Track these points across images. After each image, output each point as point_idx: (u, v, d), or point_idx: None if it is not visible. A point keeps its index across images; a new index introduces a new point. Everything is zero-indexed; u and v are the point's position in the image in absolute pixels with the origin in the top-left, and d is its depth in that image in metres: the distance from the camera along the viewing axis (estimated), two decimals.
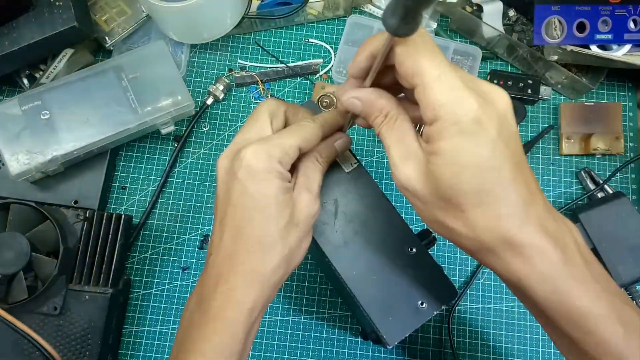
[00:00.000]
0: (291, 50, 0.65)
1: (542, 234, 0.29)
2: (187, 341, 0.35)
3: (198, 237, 0.59)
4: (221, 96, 0.62)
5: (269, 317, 0.57)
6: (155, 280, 0.58)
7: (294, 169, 0.37)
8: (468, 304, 0.57)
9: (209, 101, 0.62)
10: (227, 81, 0.62)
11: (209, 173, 0.61)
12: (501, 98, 0.30)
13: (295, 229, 0.35)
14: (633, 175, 0.61)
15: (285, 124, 0.38)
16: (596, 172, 0.60)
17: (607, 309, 0.29)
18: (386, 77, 0.34)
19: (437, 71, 0.29)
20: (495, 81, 0.61)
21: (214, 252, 0.35)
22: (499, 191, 0.29)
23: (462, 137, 0.28)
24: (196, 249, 0.59)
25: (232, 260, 0.34)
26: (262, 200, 0.34)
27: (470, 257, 0.58)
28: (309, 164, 0.37)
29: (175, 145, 0.61)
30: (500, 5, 0.62)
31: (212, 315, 0.34)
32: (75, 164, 0.57)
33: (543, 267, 0.29)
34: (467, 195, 0.29)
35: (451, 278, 0.58)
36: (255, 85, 0.64)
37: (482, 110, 0.28)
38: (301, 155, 0.37)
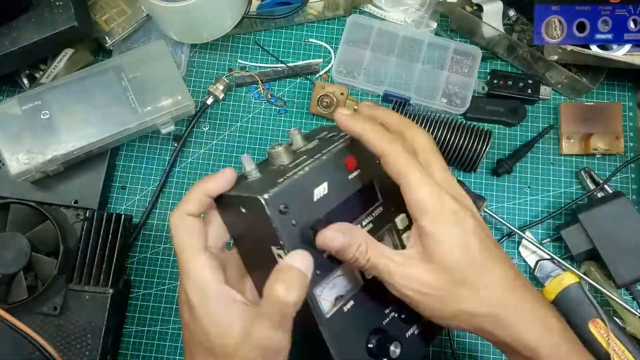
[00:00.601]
0: (291, 50, 0.65)
1: (540, 303, 0.35)
2: None
3: None
4: (221, 96, 0.62)
5: None
6: (155, 280, 0.58)
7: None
8: None
9: (209, 101, 0.61)
10: (227, 81, 0.62)
11: (209, 173, 0.61)
12: (464, 197, 0.36)
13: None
14: (633, 175, 0.61)
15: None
16: (596, 172, 0.60)
17: None
18: None
19: (419, 175, 0.34)
20: (495, 81, 0.61)
21: None
22: (496, 267, 0.34)
23: (451, 226, 0.33)
24: None
25: None
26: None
27: None
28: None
29: (175, 145, 0.61)
30: (500, 5, 0.62)
31: None
32: (75, 164, 0.57)
33: (550, 337, 0.34)
34: (474, 275, 0.33)
35: None
36: (255, 85, 0.64)
37: (457, 206, 0.34)
38: None
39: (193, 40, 0.63)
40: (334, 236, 0.33)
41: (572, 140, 0.62)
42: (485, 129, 0.58)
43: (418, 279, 0.33)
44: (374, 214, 0.38)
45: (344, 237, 0.33)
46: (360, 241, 0.34)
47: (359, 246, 0.34)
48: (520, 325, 0.33)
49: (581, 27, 0.56)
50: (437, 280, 0.33)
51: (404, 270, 0.34)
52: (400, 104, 0.60)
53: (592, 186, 0.59)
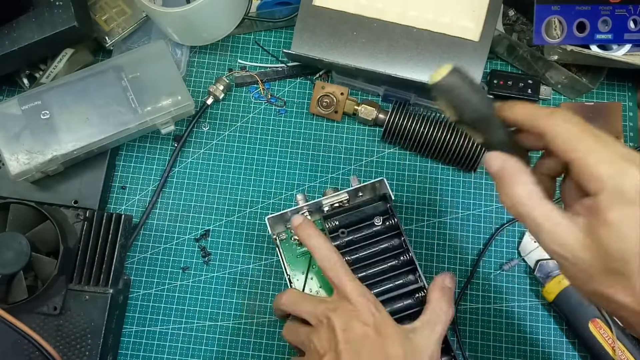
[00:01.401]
0: None
1: None
2: None
3: (198, 237, 0.59)
4: (221, 96, 0.62)
5: (269, 317, 0.57)
6: (155, 280, 0.58)
7: None
8: (468, 304, 0.57)
9: (209, 101, 0.62)
10: (227, 81, 0.62)
11: (209, 173, 0.61)
12: None
13: None
14: None
15: None
16: None
17: None
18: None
19: (594, 146, 0.30)
20: (495, 81, 0.61)
21: None
22: None
23: (631, 208, 0.29)
24: (196, 249, 0.59)
25: None
26: None
27: (467, 255, 0.58)
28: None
29: (175, 145, 0.62)
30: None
31: None
32: (75, 164, 0.57)
33: None
34: (638, 268, 0.29)
35: None
36: (255, 85, 0.64)
37: None
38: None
39: (193, 42, 0.63)
40: (489, 159, 0.34)
41: None
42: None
43: (570, 248, 0.31)
44: None
45: (498, 164, 0.34)
46: (509, 175, 0.33)
47: (506, 178, 0.33)
48: None
49: (581, 27, 0.56)
50: (591, 259, 0.30)
51: (556, 231, 0.32)
52: (400, 104, 0.60)
53: None
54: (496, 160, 0.34)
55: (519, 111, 0.35)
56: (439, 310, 0.46)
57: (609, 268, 0.30)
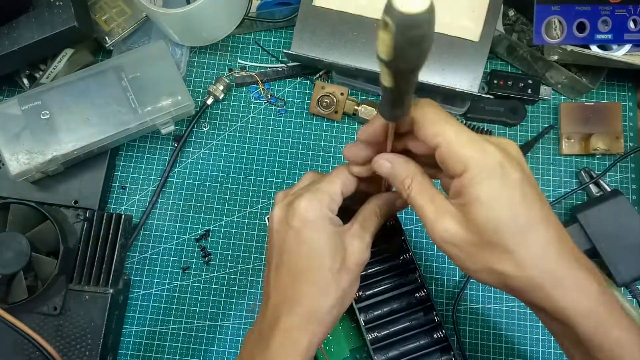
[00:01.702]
0: None
1: (580, 267, 0.32)
2: None
3: (198, 237, 0.59)
4: (221, 96, 0.62)
5: None
6: (155, 280, 0.58)
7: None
8: (468, 304, 0.57)
9: (209, 101, 0.62)
10: (227, 81, 0.62)
11: (209, 173, 0.61)
12: (512, 146, 0.34)
13: (347, 273, 0.38)
14: (633, 175, 0.61)
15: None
16: (596, 172, 0.60)
17: (637, 337, 0.32)
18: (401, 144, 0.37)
19: (456, 130, 0.32)
20: (495, 81, 0.61)
21: (273, 295, 0.38)
22: (538, 227, 0.32)
23: (493, 180, 0.31)
24: (196, 249, 0.59)
25: (290, 302, 0.37)
26: (317, 246, 0.37)
27: None
28: (369, 215, 0.40)
29: (175, 145, 0.62)
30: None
31: (272, 353, 0.36)
32: (75, 164, 0.57)
33: (587, 301, 0.32)
34: (511, 234, 0.32)
35: (451, 278, 0.58)
36: (255, 85, 0.64)
37: (502, 156, 0.32)
38: (359, 200, 0.41)
39: (193, 42, 0.63)
40: (380, 163, 0.36)
41: (572, 141, 0.62)
42: (486, 129, 0.58)
43: (451, 232, 0.33)
44: None
45: (391, 166, 0.36)
46: (405, 175, 0.35)
47: (404, 179, 0.35)
48: (554, 290, 0.32)
49: (581, 27, 0.56)
50: (472, 237, 0.32)
51: (438, 218, 0.33)
52: None
53: (592, 186, 0.59)
54: (386, 162, 0.36)
55: (379, 118, 0.36)
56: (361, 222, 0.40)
57: (486, 242, 0.32)
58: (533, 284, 0.32)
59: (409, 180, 0.35)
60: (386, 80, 0.28)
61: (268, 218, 0.40)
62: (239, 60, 0.65)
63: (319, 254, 0.37)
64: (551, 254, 0.32)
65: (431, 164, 0.36)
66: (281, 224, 0.38)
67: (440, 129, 0.33)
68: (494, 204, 0.31)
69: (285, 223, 0.38)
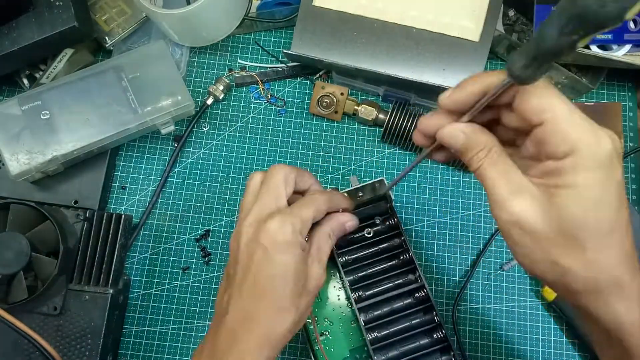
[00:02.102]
0: None
1: None
2: None
3: (198, 237, 0.59)
4: (221, 96, 0.62)
5: None
6: (155, 280, 0.58)
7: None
8: (468, 304, 0.57)
9: (209, 101, 0.62)
10: (227, 81, 0.62)
11: (209, 173, 0.61)
12: (618, 142, 0.30)
13: (306, 296, 0.39)
14: (633, 175, 0.61)
15: (294, 188, 0.42)
16: None
17: None
18: (483, 116, 0.33)
19: (568, 107, 0.29)
20: None
21: (232, 311, 0.38)
22: (622, 233, 0.30)
23: (600, 172, 0.28)
24: (196, 249, 0.59)
25: (250, 322, 0.37)
26: (284, 268, 0.37)
27: (467, 254, 0.58)
28: (323, 237, 0.41)
29: (175, 145, 0.62)
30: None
31: None
32: (75, 164, 0.57)
33: None
34: (596, 233, 0.29)
35: (451, 278, 0.58)
36: (255, 85, 0.64)
37: (613, 149, 0.29)
38: (314, 225, 0.41)
39: (193, 43, 0.63)
40: (454, 134, 0.32)
41: None
42: None
43: (526, 213, 0.29)
44: None
45: (465, 137, 0.32)
46: (481, 147, 0.31)
47: (478, 151, 0.31)
48: (615, 297, 0.30)
49: None
50: (547, 223, 0.29)
51: (513, 195, 0.30)
52: (400, 104, 0.60)
53: None
54: (460, 133, 0.32)
55: (481, 80, 0.31)
56: (315, 250, 0.41)
57: (563, 233, 0.29)
58: (596, 287, 0.30)
59: (482, 153, 0.31)
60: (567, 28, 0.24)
61: (234, 232, 0.40)
62: (239, 60, 0.65)
63: (284, 276, 0.37)
64: (623, 262, 0.30)
65: (510, 142, 0.33)
66: (250, 242, 0.38)
67: (550, 103, 0.29)
68: (592, 197, 0.28)
69: (255, 241, 0.38)
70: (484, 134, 0.32)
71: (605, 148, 0.28)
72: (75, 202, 0.57)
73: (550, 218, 0.29)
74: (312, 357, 0.48)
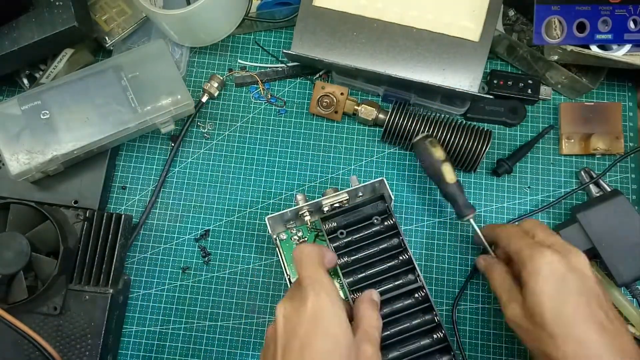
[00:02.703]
0: None
1: None
2: None
3: (197, 237, 0.59)
4: (216, 93, 0.61)
5: (269, 317, 0.57)
6: (155, 280, 0.58)
7: None
8: (468, 304, 0.57)
9: (204, 99, 0.61)
10: (222, 78, 0.62)
11: (209, 173, 0.61)
12: (578, 259, 0.44)
13: None
14: (633, 175, 0.61)
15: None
16: (596, 172, 0.60)
17: None
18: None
19: (530, 252, 0.44)
20: (495, 81, 0.61)
21: None
22: (579, 323, 0.40)
23: (549, 279, 0.42)
24: (196, 249, 0.59)
25: None
26: (334, 332, 0.39)
27: (467, 254, 0.58)
28: (375, 325, 0.44)
29: (172, 145, 0.61)
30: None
31: None
32: (75, 164, 0.57)
33: None
34: (558, 326, 0.41)
35: (451, 278, 0.58)
36: (255, 85, 0.64)
37: (562, 264, 0.43)
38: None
39: (193, 43, 0.63)
40: (479, 261, 0.53)
41: (572, 141, 0.62)
42: (485, 129, 0.58)
43: (514, 313, 0.44)
44: None
45: (485, 264, 0.51)
46: (491, 270, 0.50)
47: (490, 272, 0.50)
48: None
49: (581, 27, 0.56)
50: (526, 322, 0.43)
51: (508, 303, 0.45)
52: (400, 104, 0.60)
53: (592, 186, 0.59)
54: (481, 260, 0.53)
55: (491, 232, 0.52)
56: (367, 327, 0.43)
57: (538, 327, 0.41)
58: None
59: (493, 274, 0.49)
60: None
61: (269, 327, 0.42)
62: (239, 60, 0.65)
63: (334, 340, 0.38)
64: (593, 355, 0.39)
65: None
66: (292, 313, 0.39)
67: (519, 251, 0.45)
68: (547, 301, 0.41)
69: (296, 312, 0.39)
70: (496, 263, 0.50)
71: (546, 261, 0.43)
72: (75, 202, 0.57)
73: (527, 318, 0.43)
74: None
